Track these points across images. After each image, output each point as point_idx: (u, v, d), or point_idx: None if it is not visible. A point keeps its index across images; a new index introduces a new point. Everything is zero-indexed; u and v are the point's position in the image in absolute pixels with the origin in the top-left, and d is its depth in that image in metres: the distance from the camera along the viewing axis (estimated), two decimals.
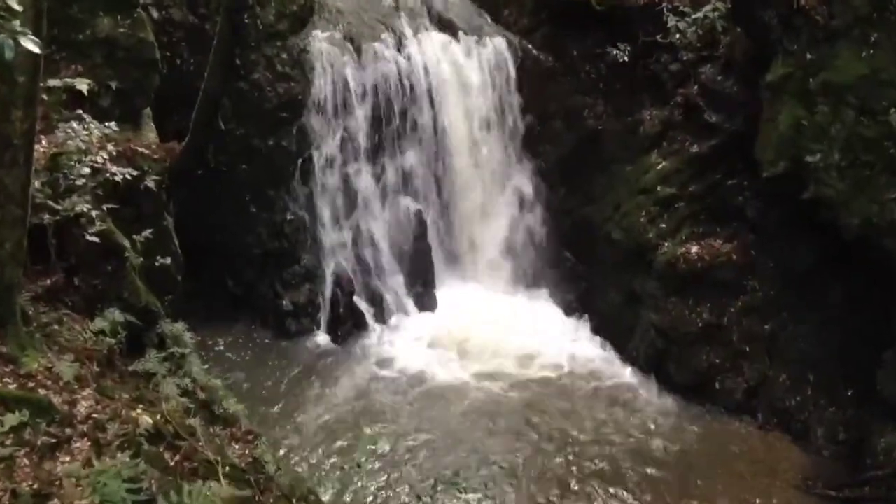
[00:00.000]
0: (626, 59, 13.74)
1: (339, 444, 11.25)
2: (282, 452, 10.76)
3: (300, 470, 10.47)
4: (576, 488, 10.59)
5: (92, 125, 8.22)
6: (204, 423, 6.52)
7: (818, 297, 11.60)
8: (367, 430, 11.38)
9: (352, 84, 14.29)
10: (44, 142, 8.16)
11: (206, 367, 8.39)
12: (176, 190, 9.52)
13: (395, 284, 15.05)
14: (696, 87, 12.84)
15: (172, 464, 5.58)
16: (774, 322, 11.98)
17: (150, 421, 5.81)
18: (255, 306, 14.57)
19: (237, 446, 6.61)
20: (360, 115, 14.45)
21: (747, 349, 12.06)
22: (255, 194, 14.16)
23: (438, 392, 12.56)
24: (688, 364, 12.37)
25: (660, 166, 13.27)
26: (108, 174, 8.11)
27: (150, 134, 10.20)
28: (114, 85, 9.72)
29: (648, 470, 10.91)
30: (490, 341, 13.86)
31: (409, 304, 15.02)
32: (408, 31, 14.79)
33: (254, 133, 13.80)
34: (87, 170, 7.81)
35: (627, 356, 13.42)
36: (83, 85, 8.02)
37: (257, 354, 13.64)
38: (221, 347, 13.62)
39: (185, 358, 7.70)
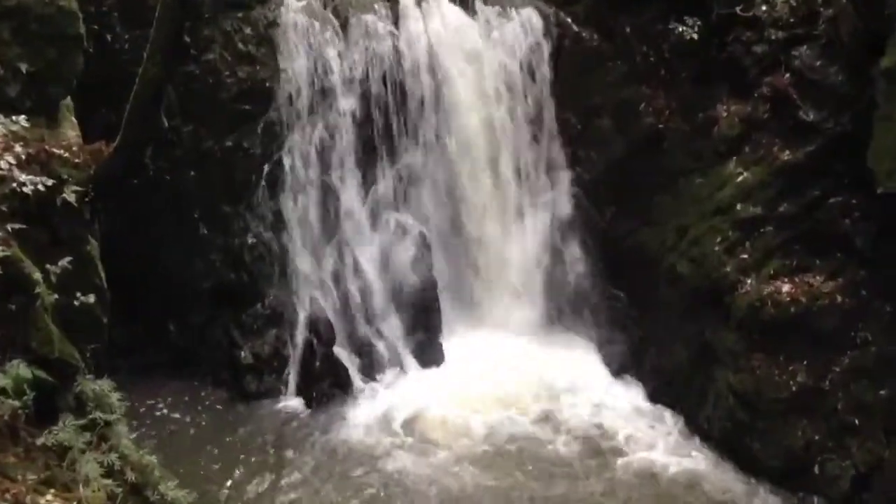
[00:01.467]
0: (695, 37, 13.77)
1: None
2: None
3: None
4: None
5: None
6: None
7: None
8: None
9: (335, 68, 14.42)
10: None
11: (134, 435, 8.34)
12: (103, 205, 9.54)
13: (389, 331, 15.06)
14: (787, 74, 12.83)
15: None
16: (893, 386, 11.86)
17: None
18: (205, 358, 14.58)
19: None
20: (346, 108, 14.57)
21: (857, 422, 11.89)
22: (206, 211, 14.24)
23: (449, 492, 12.28)
24: (778, 441, 12.22)
25: (740, 179, 13.23)
26: (14, 184, 8.13)
27: (71, 132, 10.23)
28: (24, 68, 9.76)
29: None
30: (514, 409, 13.81)
31: (408, 356, 15.01)
32: (408, 0, 14.95)
33: (206, 131, 13.90)
34: None
35: (697, 430, 13.31)
36: None
37: (206, 422, 13.59)
38: (160, 412, 13.59)
39: (110, 427, 7.67)
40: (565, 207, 15.53)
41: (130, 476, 7.22)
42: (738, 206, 13.13)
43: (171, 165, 13.69)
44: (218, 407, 13.99)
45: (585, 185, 15.42)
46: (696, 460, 12.91)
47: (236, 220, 14.38)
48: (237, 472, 12.52)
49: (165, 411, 13.64)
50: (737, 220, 13.10)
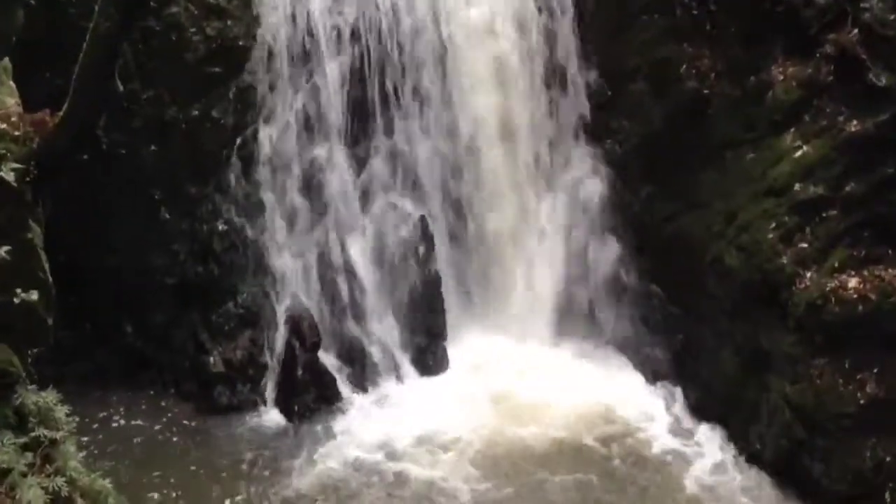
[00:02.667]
0: None
1: None
2: None
3: None
4: None
5: None
6: None
7: None
8: None
9: (321, 24, 14.43)
10: None
11: (84, 455, 8.36)
12: (48, 186, 9.55)
13: (384, 333, 15.13)
14: (855, 30, 12.78)
15: None
16: None
17: None
18: (167, 364, 14.65)
19: None
20: (334, 71, 14.59)
21: None
22: (169, 192, 14.26)
23: None
24: (842, 463, 12.21)
25: (798, 153, 13.20)
26: None
27: (10, 99, 10.23)
28: None
29: None
30: (533, 428, 13.81)
31: (406, 363, 15.09)
32: None
33: (169, 97, 13.90)
34: None
35: (747, 449, 13.34)
36: None
37: (169, 441, 13.65)
38: (114, 429, 13.66)
39: (56, 446, 7.69)
40: (592, 187, 15.53)
41: (80, 503, 7.23)
42: (797, 186, 13.09)
43: (127, 138, 13.71)
44: (183, 422, 14.04)
45: (617, 161, 15.42)
46: (747, 484, 12.97)
47: (204, 202, 14.40)
48: (212, 494, 12.60)
49: (121, 427, 13.71)
50: (795, 203, 13.06)
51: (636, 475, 13.21)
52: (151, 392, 14.48)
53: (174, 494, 12.60)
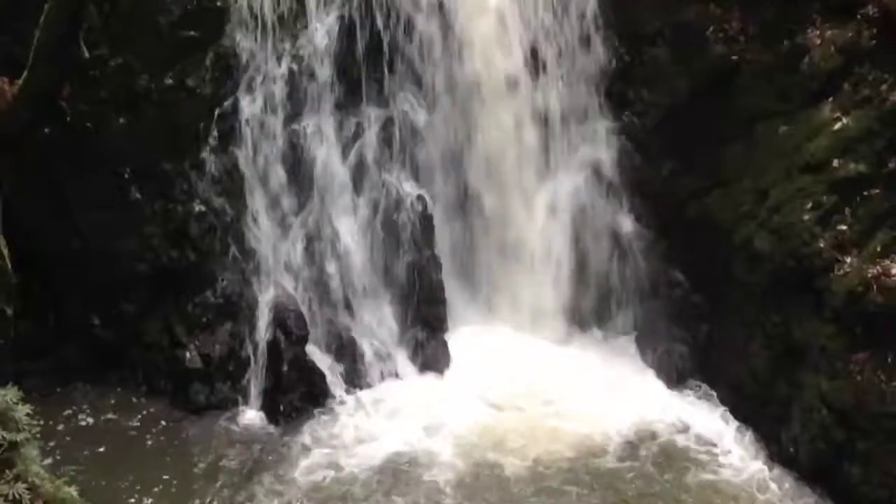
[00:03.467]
0: None
1: None
2: None
3: None
4: None
5: None
6: None
7: None
8: None
9: None
10: None
11: (49, 461, 8.37)
12: (7, 162, 9.56)
13: (378, 325, 15.15)
14: None
15: None
16: None
17: None
18: (139, 360, 14.67)
19: None
20: (321, 34, 14.57)
21: None
22: (140, 169, 14.24)
23: None
24: (884, 467, 12.21)
25: (838, 126, 13.18)
26: None
27: None
28: None
29: None
30: (544, 433, 13.82)
31: (403, 359, 15.13)
32: None
33: (140, 65, 13.86)
34: None
35: (779, 454, 13.36)
36: None
37: (140, 443, 13.67)
38: (79, 430, 13.67)
39: (17, 449, 7.70)
40: (608, 164, 15.51)
41: None
42: (835, 163, 13.09)
43: (93, 110, 13.67)
44: (157, 423, 14.06)
45: (635, 135, 15.39)
46: (780, 492, 12.99)
47: (179, 181, 14.39)
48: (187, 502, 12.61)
49: (88, 427, 13.74)
50: (833, 181, 13.06)
51: (654, 488, 13.14)
52: (121, 389, 14.49)
53: (145, 502, 12.62)
